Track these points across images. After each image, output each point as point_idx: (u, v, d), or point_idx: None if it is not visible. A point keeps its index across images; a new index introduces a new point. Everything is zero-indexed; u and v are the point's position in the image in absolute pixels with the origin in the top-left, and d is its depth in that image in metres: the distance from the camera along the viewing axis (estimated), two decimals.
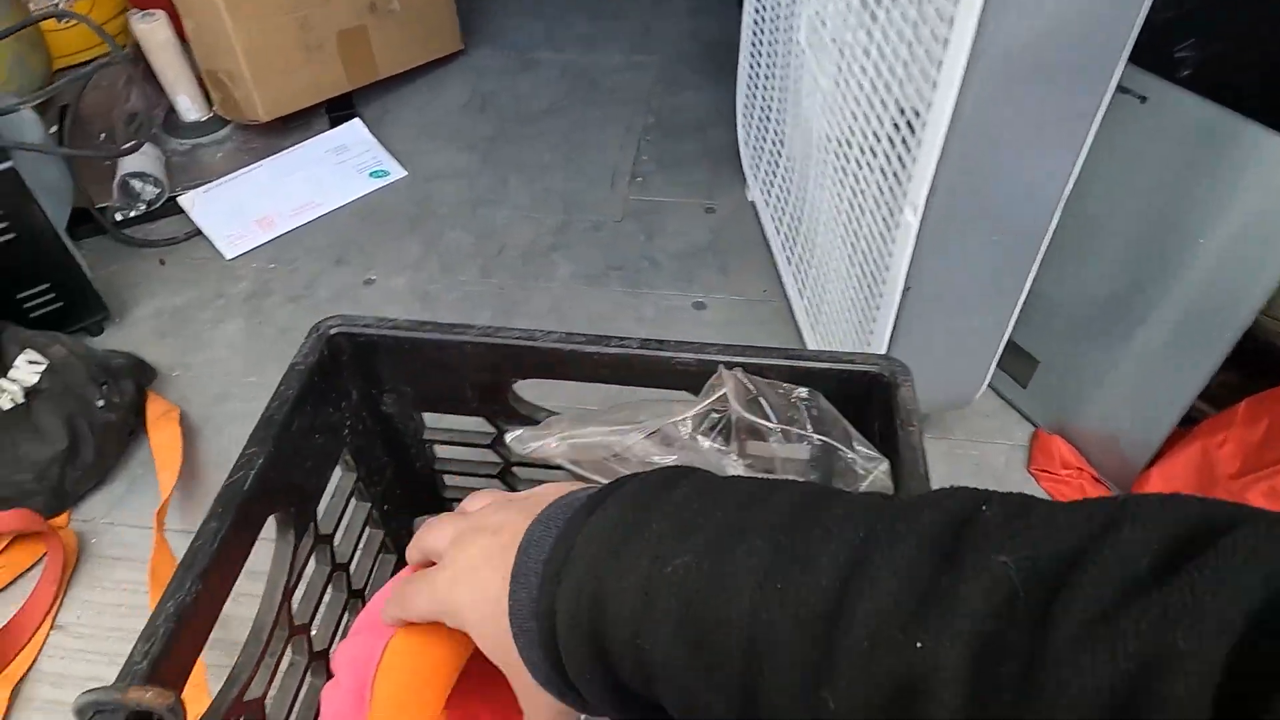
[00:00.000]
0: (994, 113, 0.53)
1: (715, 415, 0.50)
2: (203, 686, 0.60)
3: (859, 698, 0.22)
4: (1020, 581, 0.21)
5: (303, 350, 0.50)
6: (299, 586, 0.50)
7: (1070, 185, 0.58)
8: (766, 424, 0.48)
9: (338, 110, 1.24)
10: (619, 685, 0.28)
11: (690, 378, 0.51)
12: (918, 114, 0.57)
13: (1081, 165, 0.58)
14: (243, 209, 1.08)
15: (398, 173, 1.17)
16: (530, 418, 0.56)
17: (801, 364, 0.49)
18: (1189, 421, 0.71)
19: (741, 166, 1.14)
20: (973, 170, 0.56)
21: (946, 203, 0.58)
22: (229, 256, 1.04)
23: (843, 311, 0.79)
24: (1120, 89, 0.65)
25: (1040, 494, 0.79)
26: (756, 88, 1.03)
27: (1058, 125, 0.55)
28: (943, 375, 0.73)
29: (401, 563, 0.60)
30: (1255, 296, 0.61)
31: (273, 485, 0.46)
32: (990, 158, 0.56)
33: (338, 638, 0.55)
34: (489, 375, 0.53)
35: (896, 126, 0.62)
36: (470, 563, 0.33)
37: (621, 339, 0.51)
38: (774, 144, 0.99)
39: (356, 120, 1.21)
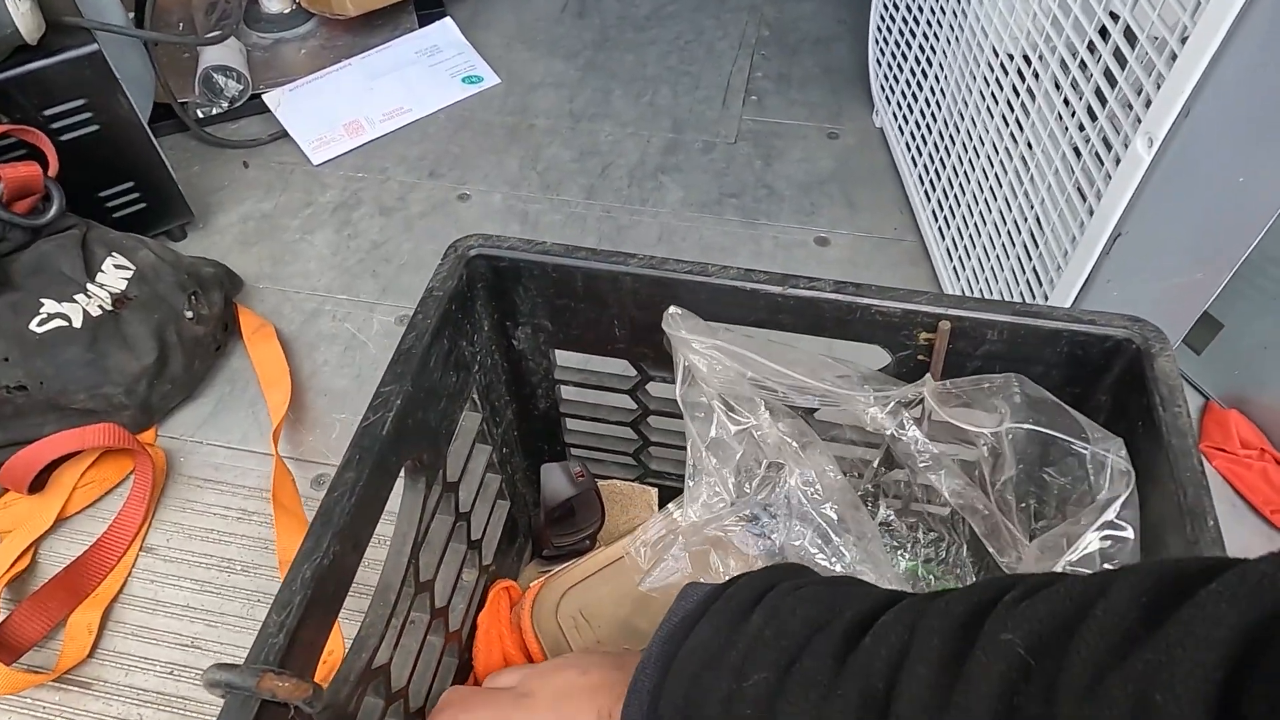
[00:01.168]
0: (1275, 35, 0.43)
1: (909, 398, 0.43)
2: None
3: None
4: (1029, 653, 0.23)
5: (440, 274, 0.43)
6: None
7: None
8: (971, 427, 0.40)
9: (427, 8, 1.15)
10: None
11: (887, 331, 0.43)
12: (1158, 36, 0.47)
13: None
14: (330, 112, 1.01)
15: (492, 79, 1.08)
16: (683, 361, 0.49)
17: (1027, 321, 0.41)
18: None
19: (869, 88, 1.02)
20: (1232, 101, 0.46)
21: (1192, 135, 0.48)
22: (316, 162, 0.97)
23: (1004, 258, 0.70)
24: None
25: (1211, 474, 0.70)
26: None
27: None
28: None
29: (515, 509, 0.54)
30: None
31: (408, 429, 0.39)
32: (1258, 87, 0.46)
33: (455, 591, 0.50)
34: (645, 313, 0.46)
35: (1119, 45, 0.52)
36: (558, 693, 0.37)
37: (811, 279, 0.43)
38: (917, 62, 0.88)
39: (448, 19, 1.12)
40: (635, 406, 0.53)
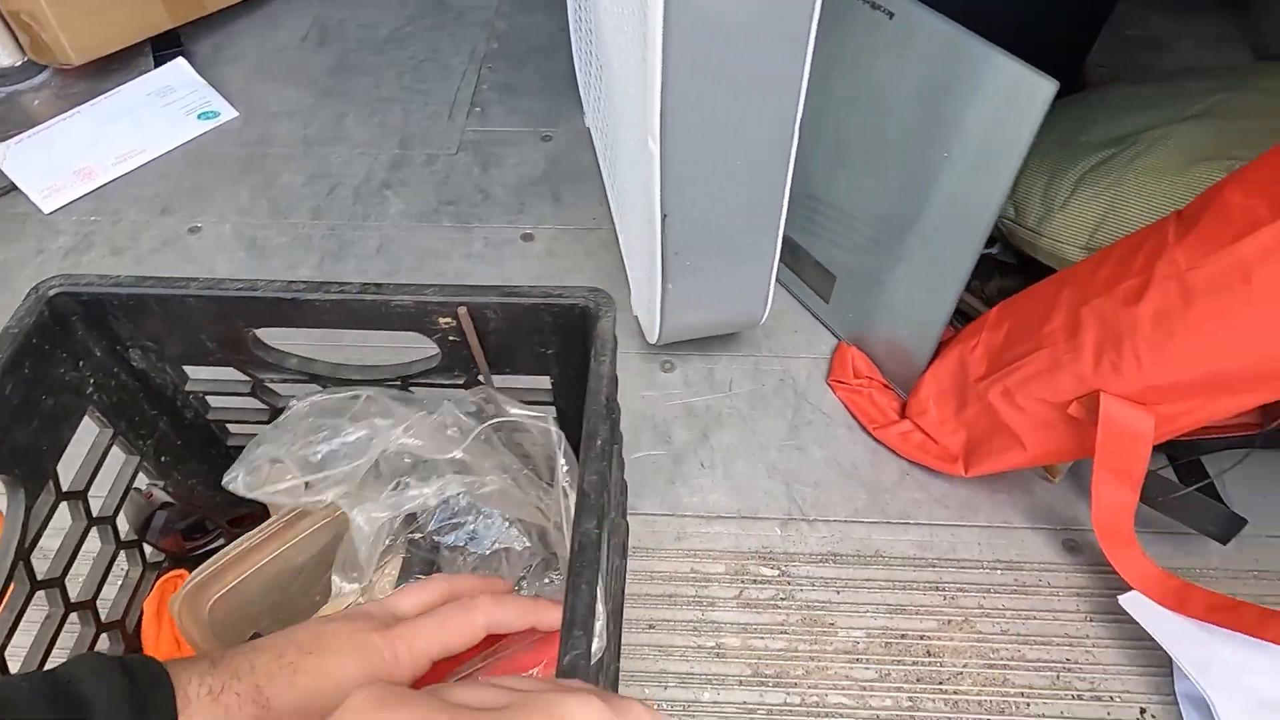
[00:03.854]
0: (705, 37, 0.54)
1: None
2: None
3: None
4: None
5: (18, 314, 0.50)
6: (40, 541, 0.51)
7: (800, 107, 0.60)
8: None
9: (165, 49, 1.19)
10: None
11: (413, 319, 0.52)
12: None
13: (807, 85, 0.59)
14: (60, 159, 1.05)
15: (229, 113, 1.13)
16: (279, 365, 0.57)
17: (519, 300, 0.51)
18: None
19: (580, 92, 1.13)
20: (698, 97, 0.57)
21: (681, 129, 0.59)
22: (47, 211, 1.01)
23: (638, 239, 0.80)
24: (870, 4, 0.66)
25: (836, 403, 0.83)
26: (579, 6, 1.01)
27: (775, 44, 0.55)
28: (725, 298, 0.75)
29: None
30: (989, 208, 0.63)
31: None
32: (712, 83, 0.57)
33: (109, 584, 0.57)
34: (223, 327, 0.54)
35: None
36: None
37: (342, 284, 0.52)
38: (593, 65, 0.98)
39: (180, 59, 1.17)
40: (265, 406, 0.61)
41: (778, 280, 0.92)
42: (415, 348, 0.55)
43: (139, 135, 1.08)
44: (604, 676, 0.45)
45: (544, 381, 0.57)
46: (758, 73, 0.56)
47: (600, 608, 0.40)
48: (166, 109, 1.11)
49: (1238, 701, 0.60)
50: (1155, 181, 0.62)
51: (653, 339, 0.80)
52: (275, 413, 0.62)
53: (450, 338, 0.54)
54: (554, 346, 0.54)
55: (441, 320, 0.52)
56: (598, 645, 0.44)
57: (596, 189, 1.03)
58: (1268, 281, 0.46)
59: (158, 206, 1.03)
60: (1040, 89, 0.56)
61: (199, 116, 1.12)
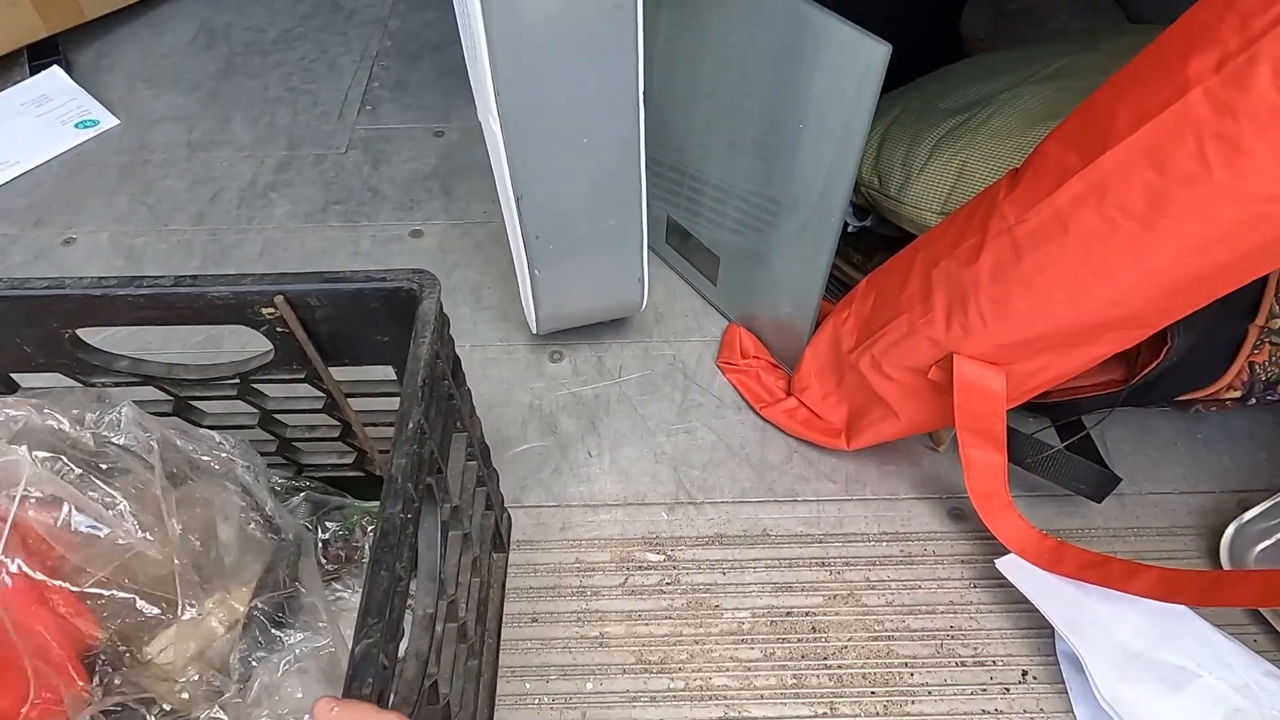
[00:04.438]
0: (529, 14, 0.53)
1: None
2: None
3: None
4: None
5: None
6: None
7: (639, 79, 0.59)
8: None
9: (43, 59, 1.15)
10: None
11: (233, 311, 0.50)
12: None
13: (643, 63, 0.58)
14: None
15: (109, 121, 1.10)
16: (108, 367, 0.54)
17: (340, 286, 0.49)
18: None
19: None
20: (530, 76, 0.56)
21: (519, 109, 0.58)
22: None
23: (509, 226, 0.79)
24: None
25: (725, 385, 0.82)
26: None
27: (600, 21, 0.54)
28: (598, 283, 0.74)
29: None
30: (846, 175, 0.63)
31: None
32: (539, 54, 0.56)
33: None
34: (38, 329, 0.51)
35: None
36: None
37: (155, 278, 0.49)
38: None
39: (55, 68, 1.13)
40: None
41: (668, 265, 0.92)
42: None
43: (12, 147, 1.04)
44: (423, 680, 0.43)
45: (390, 372, 0.56)
46: (588, 42, 0.55)
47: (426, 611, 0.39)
48: (42, 118, 1.08)
49: (1107, 657, 0.60)
50: (1001, 143, 0.62)
51: (533, 328, 0.79)
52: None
53: (278, 329, 0.52)
54: (390, 334, 0.52)
55: (265, 311, 0.50)
56: (405, 645, 0.42)
57: (488, 183, 1.01)
58: (1082, 228, 0.46)
59: (31, 219, 0.99)
60: (875, 52, 0.55)
61: (76, 125, 1.08)
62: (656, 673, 0.65)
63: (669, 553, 0.71)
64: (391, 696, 0.38)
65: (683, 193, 0.81)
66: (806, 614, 0.68)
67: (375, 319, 0.51)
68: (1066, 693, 0.63)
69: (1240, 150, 0.39)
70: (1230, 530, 0.68)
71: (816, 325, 0.75)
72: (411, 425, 0.42)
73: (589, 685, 0.64)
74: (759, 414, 0.79)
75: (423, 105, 1.13)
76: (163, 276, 0.50)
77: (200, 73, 1.18)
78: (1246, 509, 0.69)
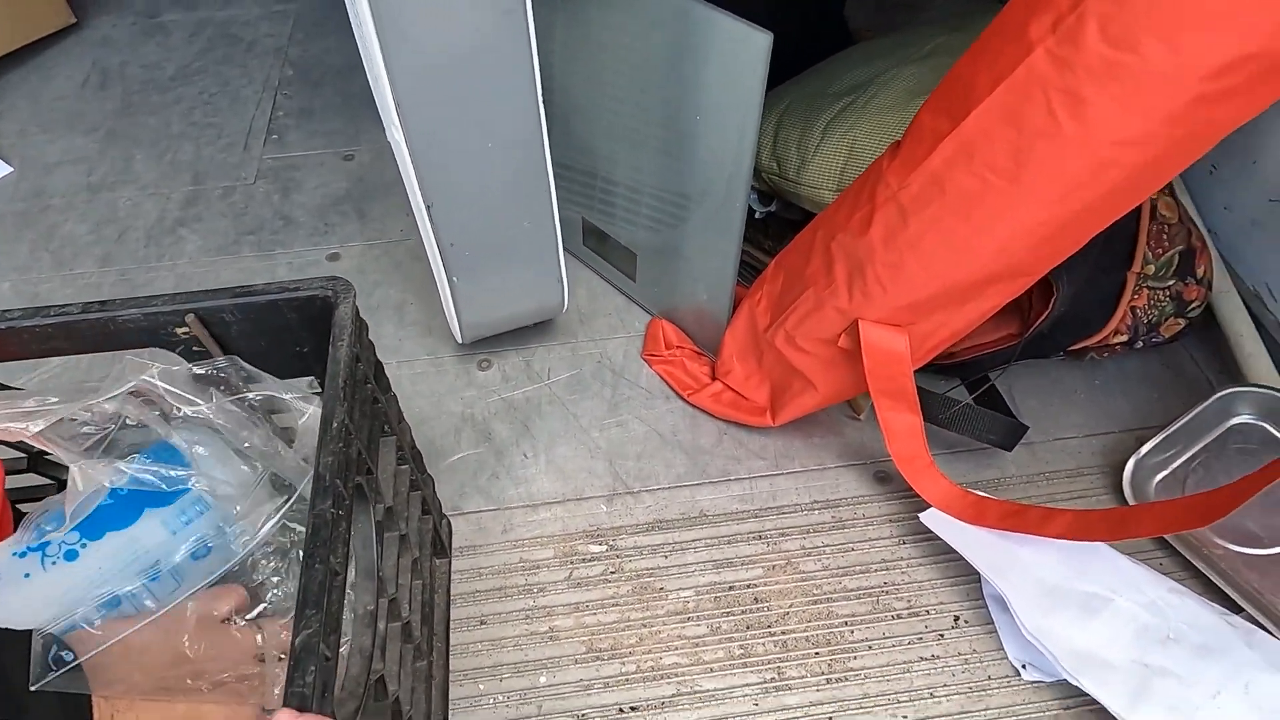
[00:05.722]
0: (420, 25, 0.54)
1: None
2: None
3: None
4: None
5: None
6: None
7: (537, 83, 0.61)
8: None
9: None
10: None
11: (145, 334, 0.50)
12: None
13: (540, 66, 0.60)
14: None
15: (2, 169, 1.07)
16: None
17: (253, 299, 0.50)
18: None
19: None
20: (429, 84, 0.58)
21: (421, 117, 0.59)
22: None
23: (424, 238, 0.80)
24: None
25: (653, 376, 0.84)
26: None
27: (492, 28, 0.56)
28: (516, 288, 0.76)
29: None
30: (744, 160, 0.66)
31: None
32: (440, 70, 0.57)
33: None
34: None
35: None
36: None
37: (62, 306, 0.49)
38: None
39: None
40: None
41: (588, 267, 0.94)
42: None
43: None
44: (368, 675, 0.44)
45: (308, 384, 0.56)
46: (482, 47, 0.57)
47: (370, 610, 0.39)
48: None
49: (1029, 594, 0.63)
50: (885, 119, 0.66)
51: (459, 338, 0.80)
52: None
53: (194, 348, 0.52)
54: (309, 344, 0.52)
55: (179, 331, 0.50)
56: (346, 647, 0.43)
57: (402, 201, 1.01)
58: (958, 188, 0.49)
59: None
60: (759, 41, 0.58)
61: None
62: (608, 659, 0.66)
63: (610, 543, 0.73)
64: (337, 691, 0.39)
65: (596, 195, 0.84)
66: (748, 586, 0.70)
67: (292, 330, 0.51)
68: (996, 632, 0.67)
69: (1082, 101, 0.43)
70: (1130, 465, 0.73)
71: (733, 310, 0.78)
72: (336, 425, 0.43)
73: (542, 679, 0.65)
74: (687, 401, 0.81)
75: (330, 130, 1.12)
76: (69, 305, 0.49)
77: (97, 113, 1.16)
78: (1143, 444, 0.74)
